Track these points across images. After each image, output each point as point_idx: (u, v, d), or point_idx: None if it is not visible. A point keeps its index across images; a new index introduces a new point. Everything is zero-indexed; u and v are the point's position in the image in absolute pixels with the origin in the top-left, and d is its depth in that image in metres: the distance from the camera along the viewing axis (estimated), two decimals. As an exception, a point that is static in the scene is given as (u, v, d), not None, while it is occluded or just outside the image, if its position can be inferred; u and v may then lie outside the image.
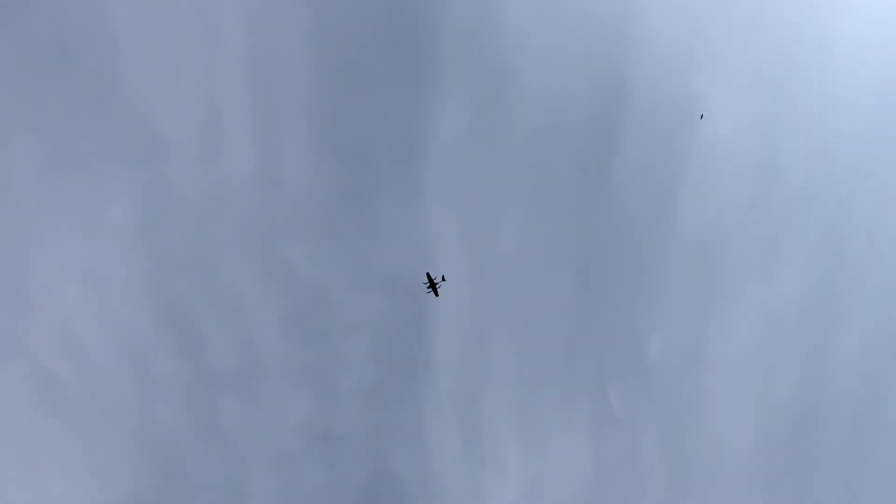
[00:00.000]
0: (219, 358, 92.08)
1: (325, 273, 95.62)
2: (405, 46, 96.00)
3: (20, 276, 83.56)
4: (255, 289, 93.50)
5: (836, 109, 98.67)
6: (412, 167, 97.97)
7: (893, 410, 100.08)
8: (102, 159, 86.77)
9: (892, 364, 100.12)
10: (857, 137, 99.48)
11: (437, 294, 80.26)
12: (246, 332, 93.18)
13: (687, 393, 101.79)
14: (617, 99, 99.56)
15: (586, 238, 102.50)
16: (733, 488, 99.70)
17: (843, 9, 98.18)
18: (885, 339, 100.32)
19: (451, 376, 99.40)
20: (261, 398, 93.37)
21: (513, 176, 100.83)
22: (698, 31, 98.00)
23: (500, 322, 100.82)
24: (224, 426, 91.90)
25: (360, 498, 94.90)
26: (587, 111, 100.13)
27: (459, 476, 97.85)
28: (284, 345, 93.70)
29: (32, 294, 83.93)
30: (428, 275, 79.61)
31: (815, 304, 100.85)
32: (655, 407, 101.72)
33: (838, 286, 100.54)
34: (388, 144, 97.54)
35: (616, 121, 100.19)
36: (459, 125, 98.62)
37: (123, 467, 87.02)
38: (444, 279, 79.52)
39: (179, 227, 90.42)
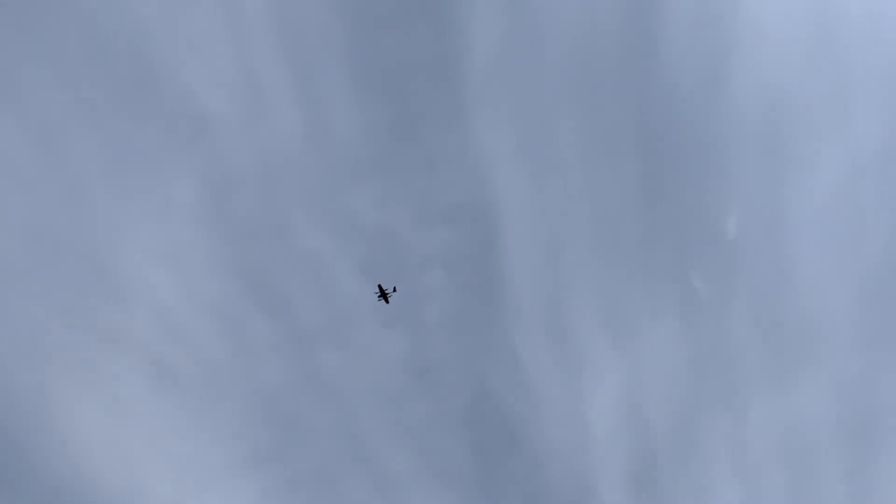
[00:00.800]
0: (308, 314, 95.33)
1: (390, 213, 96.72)
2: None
3: (112, 271, 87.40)
4: (328, 241, 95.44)
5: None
6: (454, 92, 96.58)
7: None
8: (158, 144, 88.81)
9: None
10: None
11: (387, 302, 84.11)
12: (328, 285, 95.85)
13: (772, 264, 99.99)
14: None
15: (643, 126, 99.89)
16: (834, 352, 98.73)
17: None
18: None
19: (530, 289, 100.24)
20: (355, 344, 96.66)
21: (557, 79, 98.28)
22: None
23: (571, 226, 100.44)
24: (326, 376, 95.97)
25: (467, 421, 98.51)
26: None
27: (557, 383, 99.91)
28: (366, 289, 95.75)
29: (126, 286, 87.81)
30: (380, 286, 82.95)
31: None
32: (742, 283, 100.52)
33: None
34: (426, 74, 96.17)
35: (656, 4, 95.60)
36: (493, 39, 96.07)
37: (242, 430, 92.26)
38: (395, 290, 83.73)
39: (244, 195, 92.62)
